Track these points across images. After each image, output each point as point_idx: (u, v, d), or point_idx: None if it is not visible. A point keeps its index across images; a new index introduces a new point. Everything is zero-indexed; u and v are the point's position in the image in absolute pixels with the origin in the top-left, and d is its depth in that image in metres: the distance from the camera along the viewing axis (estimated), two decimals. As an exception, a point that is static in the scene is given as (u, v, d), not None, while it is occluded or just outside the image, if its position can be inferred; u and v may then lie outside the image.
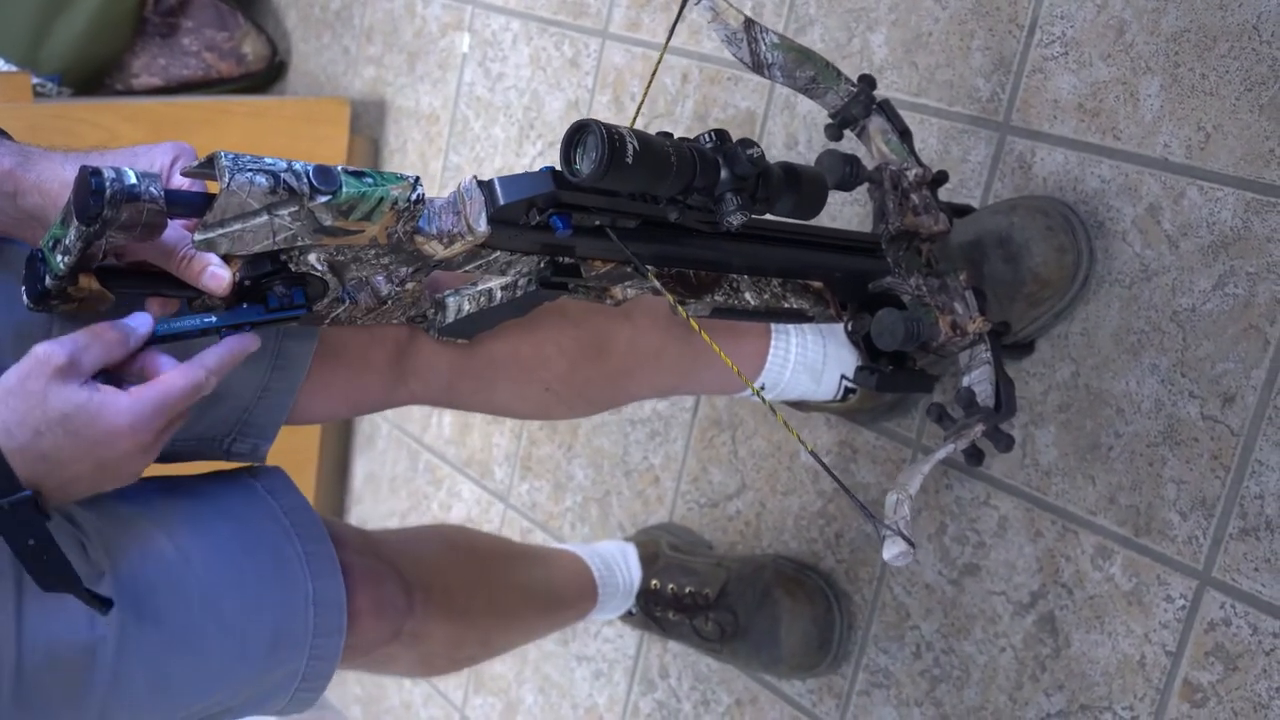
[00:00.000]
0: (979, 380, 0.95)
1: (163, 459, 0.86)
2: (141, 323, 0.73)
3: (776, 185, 0.84)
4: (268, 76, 2.01)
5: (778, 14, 1.28)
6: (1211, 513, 0.97)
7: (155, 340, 0.74)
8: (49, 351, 0.70)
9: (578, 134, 0.74)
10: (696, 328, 0.82)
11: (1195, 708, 0.98)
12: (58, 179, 0.75)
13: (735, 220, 0.80)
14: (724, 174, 0.80)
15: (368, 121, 1.84)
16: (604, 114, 1.48)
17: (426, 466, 1.78)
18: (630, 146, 0.73)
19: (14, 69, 1.75)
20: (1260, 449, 0.95)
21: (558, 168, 0.76)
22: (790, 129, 1.27)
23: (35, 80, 1.73)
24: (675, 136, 0.79)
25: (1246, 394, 0.95)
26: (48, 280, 0.71)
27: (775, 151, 1.29)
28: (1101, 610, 1.04)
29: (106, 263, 0.73)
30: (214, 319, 0.75)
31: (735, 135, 1.31)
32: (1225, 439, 0.97)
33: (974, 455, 0.91)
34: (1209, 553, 0.98)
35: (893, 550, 0.77)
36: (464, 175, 1.69)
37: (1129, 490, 1.02)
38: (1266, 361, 0.94)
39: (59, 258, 0.69)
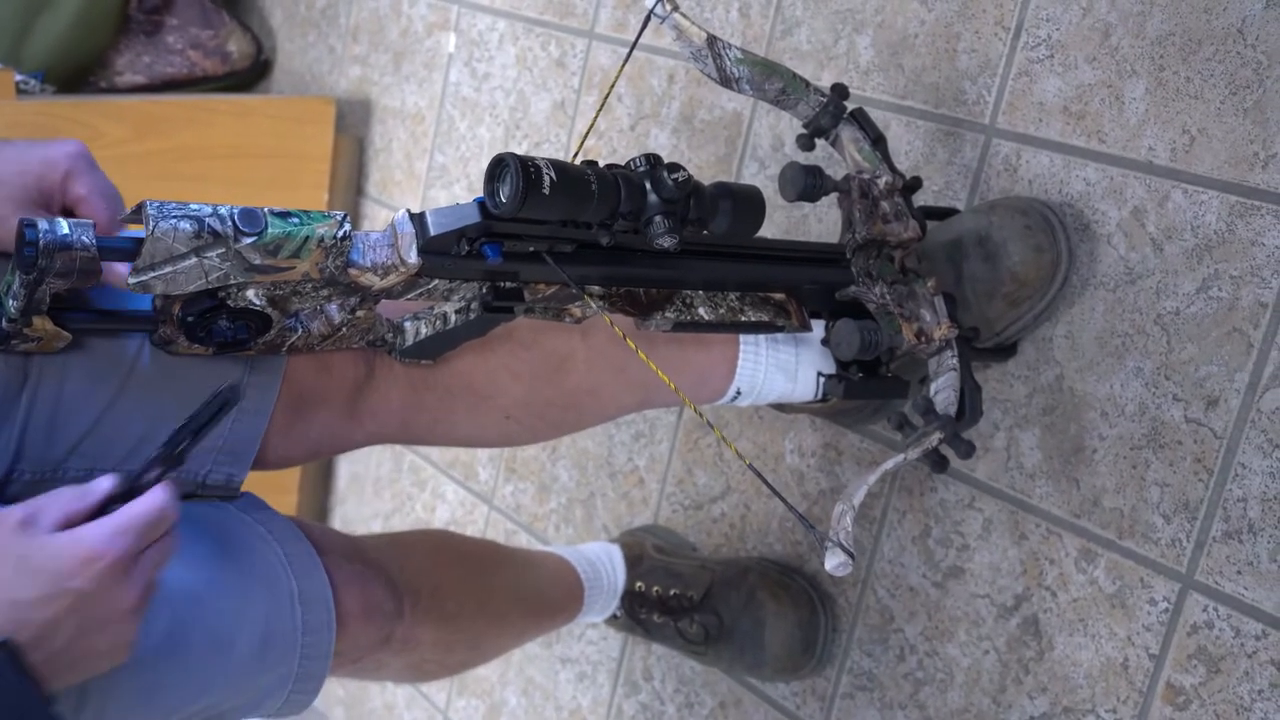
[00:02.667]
0: (944, 386, 0.95)
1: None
2: (101, 483, 0.73)
3: (708, 206, 0.85)
4: (252, 75, 2.00)
5: (764, 15, 1.28)
6: (1195, 516, 0.98)
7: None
8: (6, 511, 0.70)
9: (497, 167, 0.77)
10: (633, 346, 0.84)
11: (1178, 710, 0.98)
12: None
13: (665, 242, 0.83)
14: (652, 198, 0.82)
15: (353, 121, 1.83)
16: (589, 114, 1.48)
17: (411, 468, 1.78)
18: (547, 177, 0.76)
19: (-4, 66, 1.74)
20: (1243, 452, 0.95)
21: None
22: (777, 130, 1.27)
23: (18, 77, 1.72)
24: (602, 163, 0.82)
25: (1230, 397, 0.95)
26: (3, 323, 0.75)
27: (762, 153, 1.29)
28: (1085, 613, 1.04)
29: (71, 299, 0.78)
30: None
31: (721, 138, 1.32)
32: (1209, 442, 0.97)
33: (937, 462, 0.91)
34: (1192, 556, 0.98)
35: (833, 561, 0.79)
36: (449, 175, 1.68)
37: (1113, 493, 1.02)
38: (1250, 365, 0.95)
39: (10, 303, 0.74)
